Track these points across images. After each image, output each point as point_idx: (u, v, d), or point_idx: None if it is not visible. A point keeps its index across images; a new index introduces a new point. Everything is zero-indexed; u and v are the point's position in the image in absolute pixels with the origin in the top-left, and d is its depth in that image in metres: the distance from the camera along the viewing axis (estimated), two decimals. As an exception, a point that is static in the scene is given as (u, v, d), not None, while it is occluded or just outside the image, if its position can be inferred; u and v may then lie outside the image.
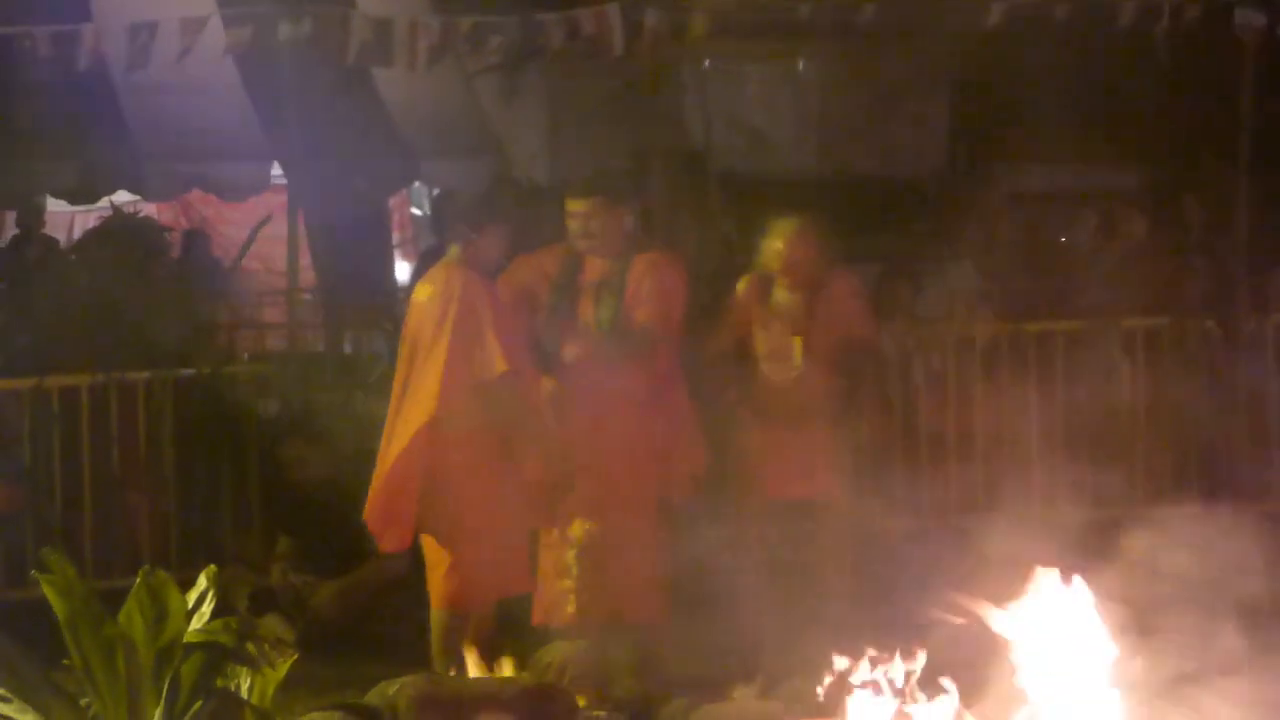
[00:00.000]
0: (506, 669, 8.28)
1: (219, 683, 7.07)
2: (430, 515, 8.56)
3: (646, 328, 8.69)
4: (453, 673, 8.36)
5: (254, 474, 11.02)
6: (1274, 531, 10.42)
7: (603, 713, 7.79)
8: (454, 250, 8.70)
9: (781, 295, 9.29)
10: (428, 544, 8.68)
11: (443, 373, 8.39)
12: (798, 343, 9.20)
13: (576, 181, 9.30)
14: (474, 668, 8.41)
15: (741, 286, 9.41)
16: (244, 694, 7.13)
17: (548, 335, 8.84)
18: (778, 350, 9.27)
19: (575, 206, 8.83)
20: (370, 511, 8.65)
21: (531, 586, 8.88)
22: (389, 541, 8.77)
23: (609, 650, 8.53)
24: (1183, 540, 9.53)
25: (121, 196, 15.85)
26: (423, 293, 8.67)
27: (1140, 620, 7.54)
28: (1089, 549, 9.37)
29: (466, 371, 8.40)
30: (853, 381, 9.27)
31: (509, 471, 8.54)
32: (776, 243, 9.24)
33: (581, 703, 7.80)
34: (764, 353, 9.32)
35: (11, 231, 15.24)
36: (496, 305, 8.51)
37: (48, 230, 15.58)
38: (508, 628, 8.84)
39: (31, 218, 15.20)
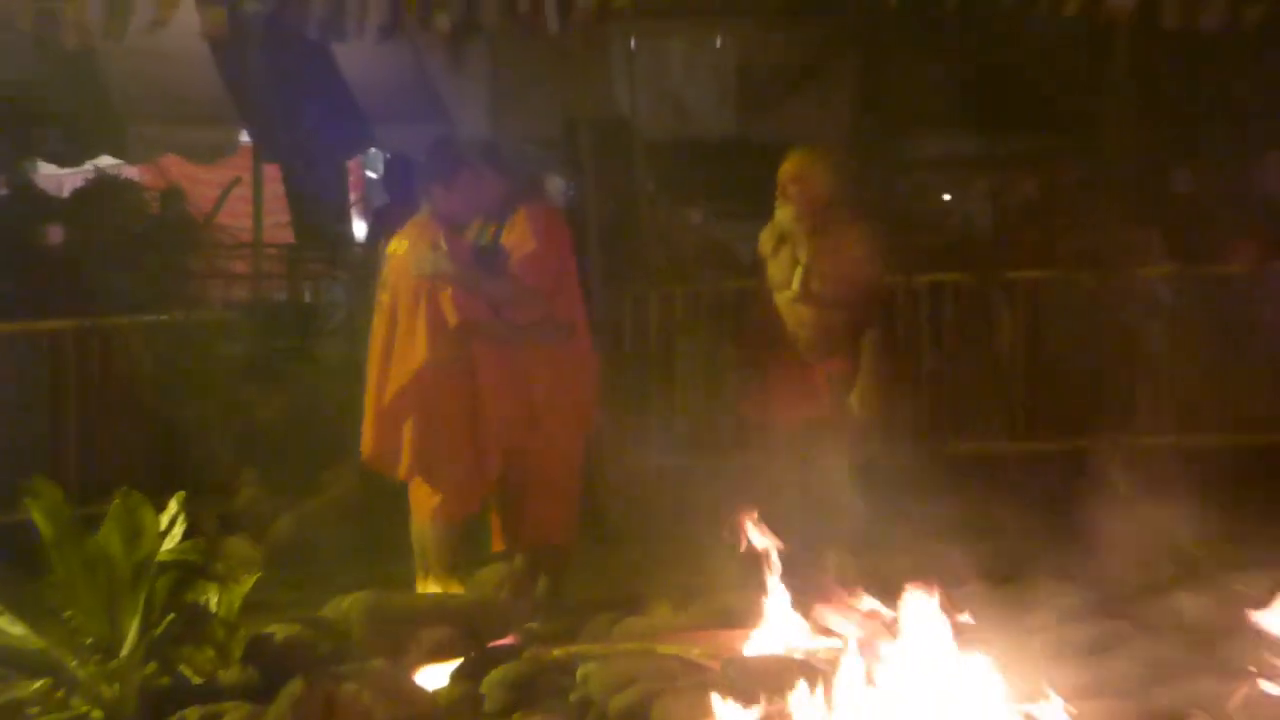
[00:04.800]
0: (455, 587, 8.70)
1: (189, 598, 7.26)
2: (422, 443, 8.75)
3: (520, 276, 8.71)
4: (450, 580, 8.71)
5: (221, 411, 11.30)
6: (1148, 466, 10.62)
7: (534, 625, 8.06)
8: (425, 208, 8.85)
9: (789, 224, 9.33)
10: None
11: (428, 322, 8.62)
12: (798, 271, 9.26)
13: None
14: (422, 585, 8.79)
15: (762, 234, 9.52)
16: (212, 608, 7.36)
17: None
18: (781, 278, 9.35)
19: None
20: (369, 443, 8.82)
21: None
22: (387, 468, 8.89)
23: (540, 570, 8.91)
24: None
25: (105, 160, 16.17)
26: (401, 247, 8.79)
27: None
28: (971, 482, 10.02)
29: (443, 320, 8.66)
30: (857, 324, 9.32)
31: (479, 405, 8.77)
32: (789, 163, 9.33)
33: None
34: (772, 283, 9.42)
35: (2, 192, 15.11)
36: (466, 260, 8.73)
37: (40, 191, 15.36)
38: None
39: (20, 179, 15.12)
